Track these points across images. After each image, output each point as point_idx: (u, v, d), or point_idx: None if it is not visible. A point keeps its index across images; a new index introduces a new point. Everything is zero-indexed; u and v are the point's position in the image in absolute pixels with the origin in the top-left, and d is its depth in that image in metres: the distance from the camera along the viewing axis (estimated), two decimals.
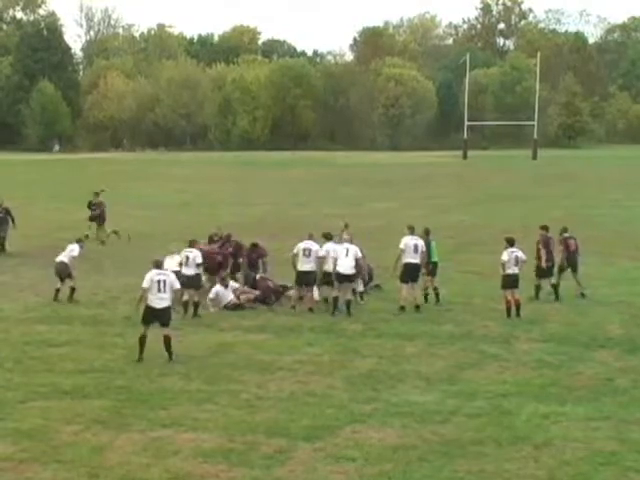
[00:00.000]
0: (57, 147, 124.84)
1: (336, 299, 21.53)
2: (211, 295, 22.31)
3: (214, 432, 13.45)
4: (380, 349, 18.44)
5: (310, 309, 22.02)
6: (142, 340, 17.47)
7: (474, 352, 18.20)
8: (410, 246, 21.83)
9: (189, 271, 21.47)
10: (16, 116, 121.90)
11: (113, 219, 35.30)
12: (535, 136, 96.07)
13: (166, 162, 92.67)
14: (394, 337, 19.42)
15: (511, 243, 21.76)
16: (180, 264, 21.44)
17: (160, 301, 17.47)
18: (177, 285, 17.88)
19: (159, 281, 17.51)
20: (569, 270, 23.81)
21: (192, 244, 22.11)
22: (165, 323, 17.55)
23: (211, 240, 24.73)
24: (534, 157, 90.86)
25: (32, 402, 14.93)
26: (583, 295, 23.56)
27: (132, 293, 22.86)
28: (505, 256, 21.31)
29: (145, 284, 17.51)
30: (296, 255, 22.17)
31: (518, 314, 21.05)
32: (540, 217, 42.35)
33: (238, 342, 19.06)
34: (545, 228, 23.92)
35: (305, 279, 22.10)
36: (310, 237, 22.60)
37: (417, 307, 21.87)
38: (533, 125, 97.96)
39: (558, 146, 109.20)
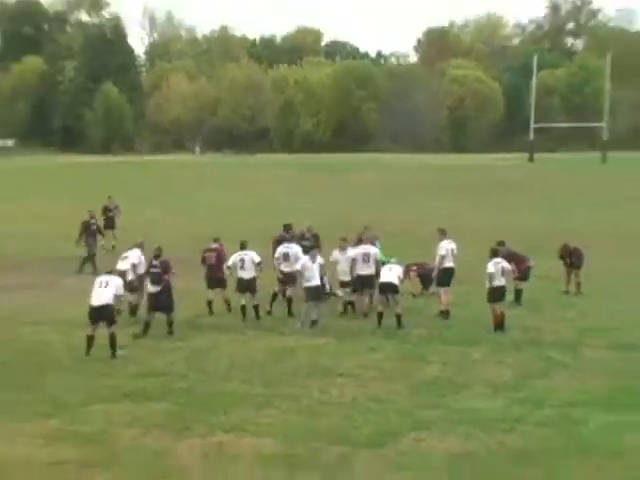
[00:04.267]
0: (198, 150, 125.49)
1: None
2: (298, 266, 21.53)
3: (275, 438, 13.44)
4: (444, 355, 18.32)
5: (365, 314, 22.07)
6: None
7: (541, 359, 18.00)
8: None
9: (246, 274, 21.55)
10: (80, 119, 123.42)
11: (189, 222, 35.55)
12: (604, 138, 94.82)
13: (230, 165, 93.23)
14: (459, 343, 19.28)
15: (495, 254, 20.91)
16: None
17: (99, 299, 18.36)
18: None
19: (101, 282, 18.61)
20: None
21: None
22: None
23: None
24: (603, 160, 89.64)
25: (93, 405, 15.10)
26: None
27: (194, 295, 23.10)
28: (491, 268, 20.38)
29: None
30: (355, 260, 22.18)
31: (502, 327, 20.20)
32: (610, 223, 42.03)
33: (299, 346, 19.09)
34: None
35: (366, 283, 22.10)
36: (371, 242, 22.81)
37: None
38: (602, 127, 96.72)
39: (628, 148, 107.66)
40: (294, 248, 22.78)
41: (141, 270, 21.86)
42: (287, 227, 24.87)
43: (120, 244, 32.63)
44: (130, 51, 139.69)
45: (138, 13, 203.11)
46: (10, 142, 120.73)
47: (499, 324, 20.26)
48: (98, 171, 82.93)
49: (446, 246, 22.48)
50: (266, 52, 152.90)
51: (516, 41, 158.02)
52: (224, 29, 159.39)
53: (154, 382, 16.41)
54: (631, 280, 26.94)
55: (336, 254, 22.64)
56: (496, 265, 20.52)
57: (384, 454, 12.83)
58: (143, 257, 22.32)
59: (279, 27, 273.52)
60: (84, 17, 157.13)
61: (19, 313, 22.49)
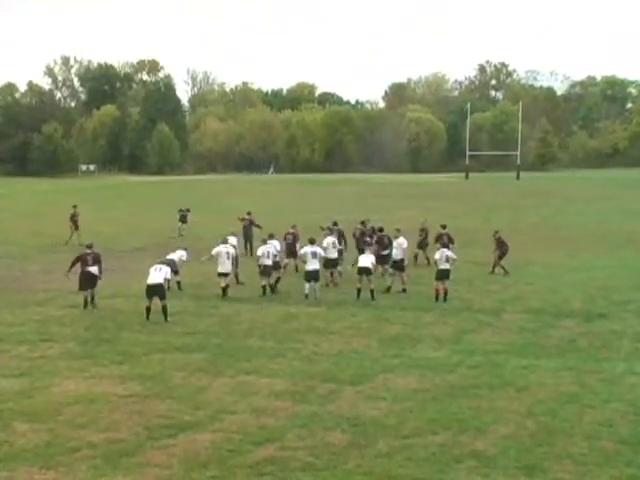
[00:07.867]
0: (272, 170, 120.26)
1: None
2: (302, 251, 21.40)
3: (283, 378, 13.49)
4: (404, 318, 18.37)
5: (335, 284, 22.36)
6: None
7: (473, 321, 18.07)
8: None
9: (267, 262, 21.30)
10: (142, 150, 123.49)
11: (218, 223, 35.45)
12: (518, 162, 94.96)
13: (249, 181, 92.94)
14: (414, 309, 19.34)
15: (444, 245, 21.02)
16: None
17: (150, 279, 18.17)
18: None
19: (155, 267, 18.46)
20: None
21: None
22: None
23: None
24: (517, 178, 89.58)
25: (153, 355, 15.12)
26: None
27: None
28: (438, 255, 20.37)
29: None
30: (326, 247, 22.19)
31: (445, 299, 20.03)
32: (521, 222, 42.05)
33: (300, 313, 19.11)
34: (443, 227, 23.74)
35: (332, 264, 22.32)
36: (331, 234, 23.22)
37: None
38: (517, 154, 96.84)
39: (535, 170, 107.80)
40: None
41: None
42: (363, 223, 25.36)
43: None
44: (178, 100, 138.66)
45: (183, 73, 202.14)
46: (92, 167, 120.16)
47: (438, 296, 20.10)
48: (155, 187, 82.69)
49: (401, 242, 22.35)
50: (275, 100, 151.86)
51: (455, 92, 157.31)
52: (245, 84, 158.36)
53: (196, 338, 16.43)
54: (537, 263, 27.00)
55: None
56: (442, 253, 20.54)
57: (362, 389, 12.87)
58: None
59: (285, 81, 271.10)
60: (145, 77, 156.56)
61: (99, 289, 22.38)
